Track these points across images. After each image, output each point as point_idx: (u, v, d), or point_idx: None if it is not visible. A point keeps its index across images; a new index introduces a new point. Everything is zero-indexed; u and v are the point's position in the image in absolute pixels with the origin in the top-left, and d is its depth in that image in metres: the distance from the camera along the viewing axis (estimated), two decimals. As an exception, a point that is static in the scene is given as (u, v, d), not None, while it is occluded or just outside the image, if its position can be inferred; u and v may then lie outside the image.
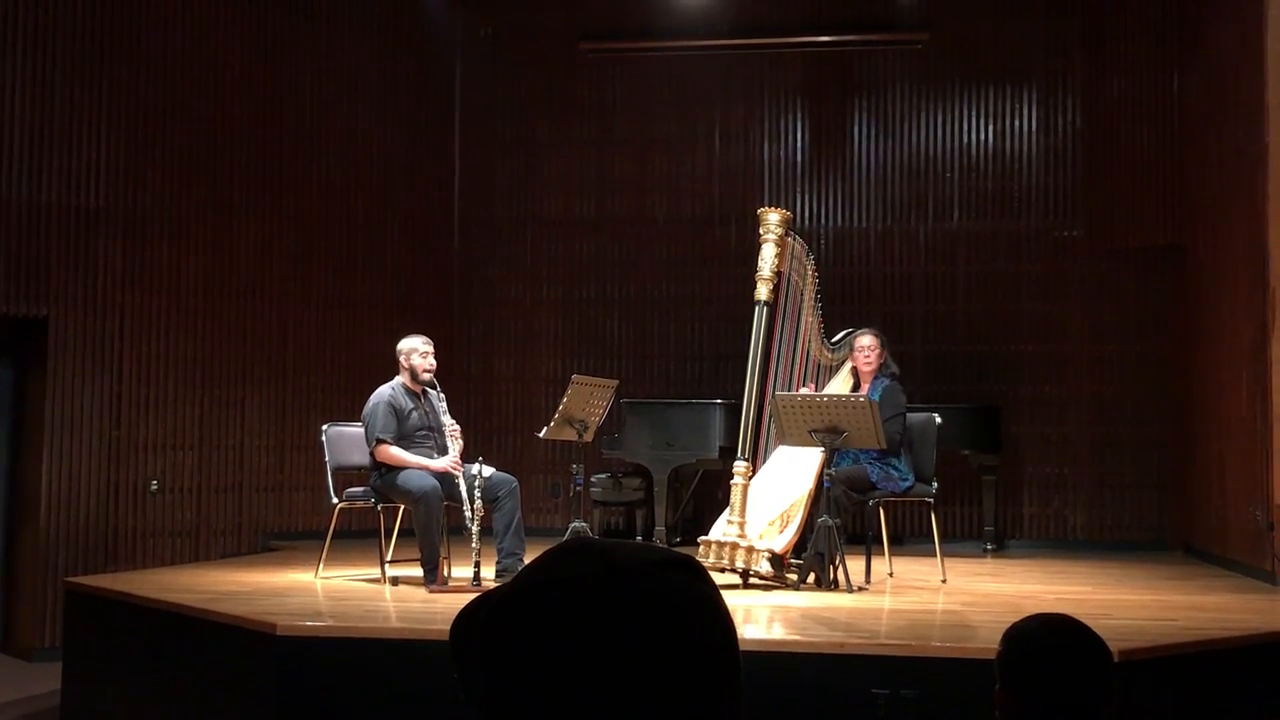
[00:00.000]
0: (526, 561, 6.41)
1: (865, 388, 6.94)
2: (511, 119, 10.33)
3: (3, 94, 7.97)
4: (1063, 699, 2.12)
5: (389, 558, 6.77)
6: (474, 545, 6.12)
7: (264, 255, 9.08)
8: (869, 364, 6.96)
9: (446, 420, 6.61)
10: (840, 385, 7.04)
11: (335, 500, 6.82)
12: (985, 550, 8.94)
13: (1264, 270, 7.06)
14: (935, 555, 7.00)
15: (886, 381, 6.96)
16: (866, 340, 6.99)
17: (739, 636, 0.95)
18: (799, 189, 10.01)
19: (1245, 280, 7.47)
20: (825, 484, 6.31)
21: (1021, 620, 2.27)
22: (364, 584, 6.63)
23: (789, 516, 6.55)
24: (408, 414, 6.65)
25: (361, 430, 6.74)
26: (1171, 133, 9.21)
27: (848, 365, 7.10)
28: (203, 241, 8.77)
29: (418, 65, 10.12)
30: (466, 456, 6.58)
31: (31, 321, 8.11)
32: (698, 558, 6.75)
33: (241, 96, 9.02)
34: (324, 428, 7.07)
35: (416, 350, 6.73)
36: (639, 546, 0.95)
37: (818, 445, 6.31)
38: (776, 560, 6.38)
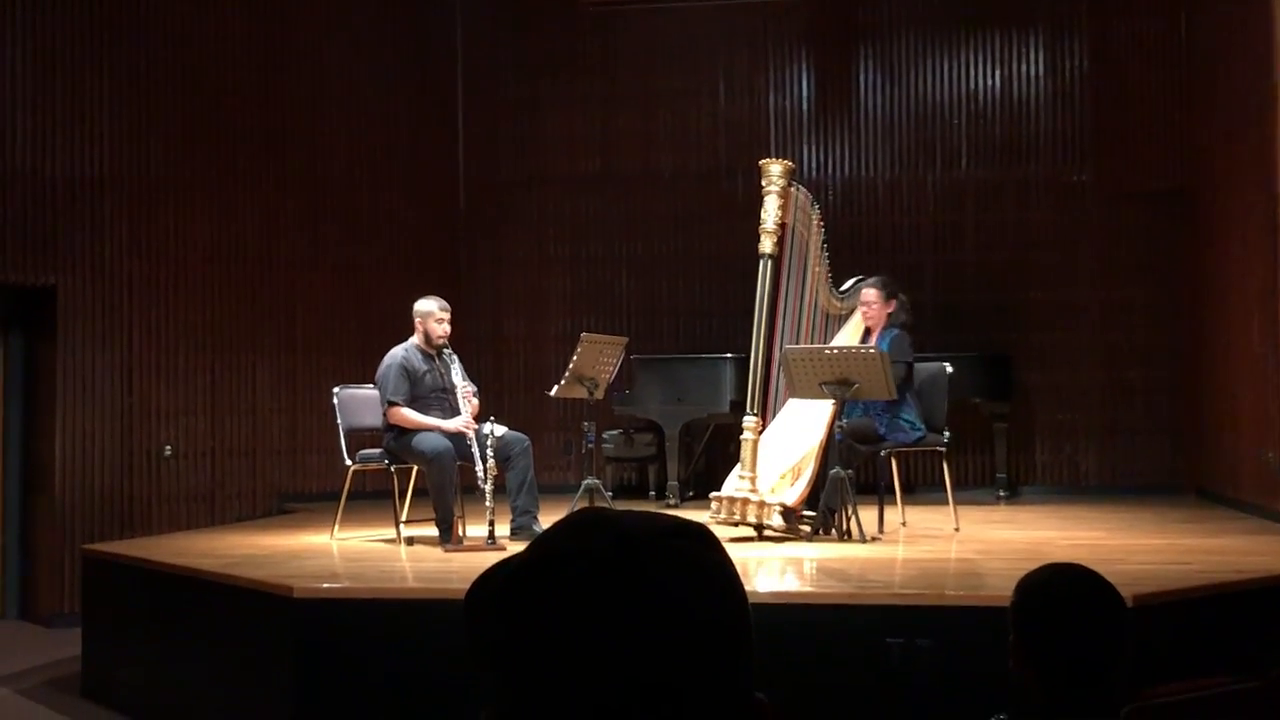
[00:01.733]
0: (540, 518, 6.45)
1: (875, 337, 6.93)
2: (514, 77, 10.26)
3: (6, 65, 7.95)
4: (1077, 647, 2.13)
5: (404, 518, 6.81)
6: (488, 504, 6.14)
7: (270, 220, 9.07)
8: (872, 316, 6.94)
9: (460, 382, 6.60)
10: (850, 334, 7.01)
11: (349, 462, 6.84)
12: (998, 498, 8.96)
13: (1274, 211, 7.01)
14: (948, 504, 7.01)
15: (896, 331, 6.94)
16: (868, 294, 6.96)
17: (752, 590, 0.96)
18: (806, 139, 9.95)
19: (1255, 221, 7.42)
20: (837, 436, 6.31)
21: (1035, 570, 2.27)
22: (380, 544, 6.67)
23: (800, 469, 6.56)
24: (421, 375, 6.64)
25: (374, 392, 6.75)
26: (1180, 74, 9.14)
27: (858, 313, 7.07)
28: (208, 208, 8.76)
29: (419, 25, 10.06)
30: (480, 417, 6.58)
31: (40, 290, 8.13)
32: (710, 513, 6.76)
33: (244, 62, 8.98)
34: (335, 390, 7.08)
35: (433, 315, 6.70)
36: (649, 516, 0.95)
37: (828, 398, 6.31)
38: (789, 513, 6.39)
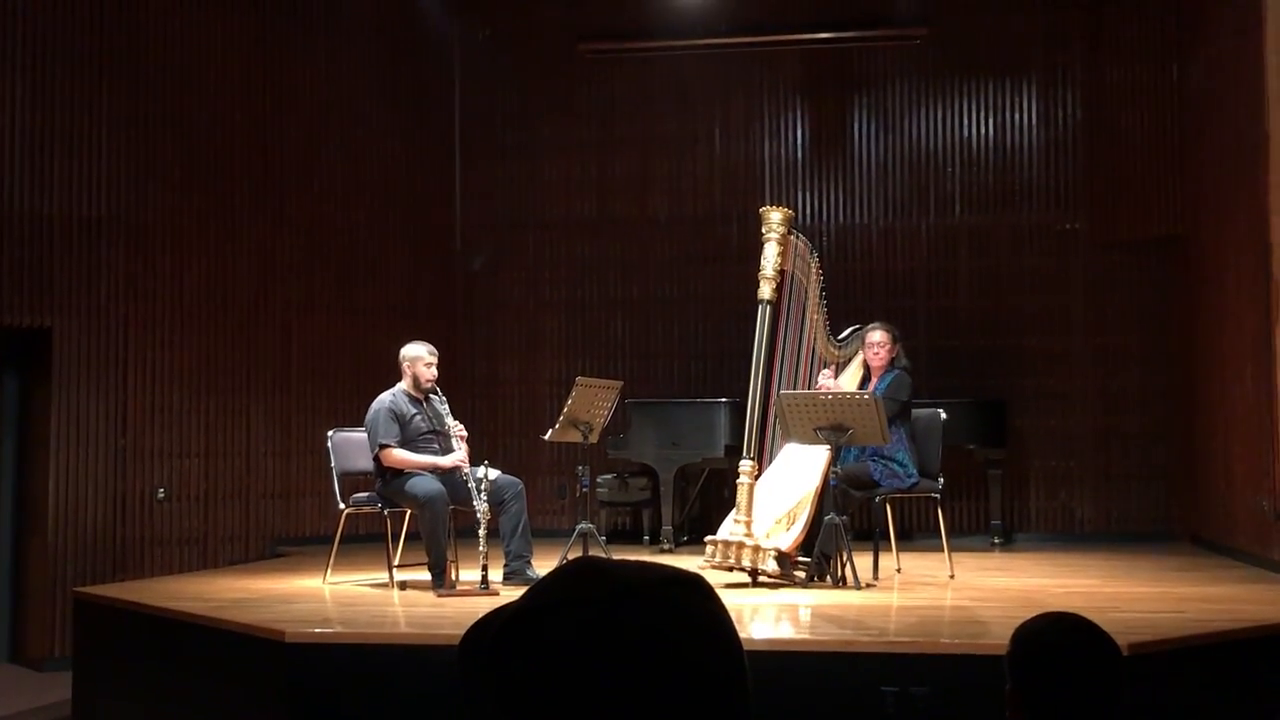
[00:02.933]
0: (534, 563, 6.41)
1: (874, 382, 6.94)
2: (511, 121, 10.33)
3: (4, 105, 7.98)
4: (1073, 697, 2.12)
5: (396, 562, 6.78)
6: (481, 548, 6.12)
7: (266, 262, 9.09)
8: (880, 359, 6.96)
9: (451, 422, 6.61)
10: (850, 379, 7.04)
11: (342, 505, 6.83)
12: (993, 544, 8.95)
13: (1267, 258, 7.05)
14: (943, 550, 7.00)
15: (896, 373, 6.97)
16: (878, 336, 6.99)
17: (747, 636, 0.96)
18: (800, 186, 10.00)
19: (1248, 269, 7.46)
20: (832, 481, 6.31)
21: (1031, 619, 2.27)
22: (372, 589, 6.63)
23: (795, 514, 6.54)
24: (410, 419, 6.65)
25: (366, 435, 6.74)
26: (1172, 122, 9.20)
27: (858, 359, 7.10)
28: (205, 250, 8.77)
29: (417, 70, 10.13)
30: (473, 460, 6.58)
31: (36, 332, 8.12)
32: (705, 557, 6.72)
33: (241, 105, 9.02)
34: (329, 434, 7.08)
35: (421, 359, 6.73)
36: (644, 566, 0.95)
37: (823, 443, 6.31)
38: (783, 559, 6.37)
